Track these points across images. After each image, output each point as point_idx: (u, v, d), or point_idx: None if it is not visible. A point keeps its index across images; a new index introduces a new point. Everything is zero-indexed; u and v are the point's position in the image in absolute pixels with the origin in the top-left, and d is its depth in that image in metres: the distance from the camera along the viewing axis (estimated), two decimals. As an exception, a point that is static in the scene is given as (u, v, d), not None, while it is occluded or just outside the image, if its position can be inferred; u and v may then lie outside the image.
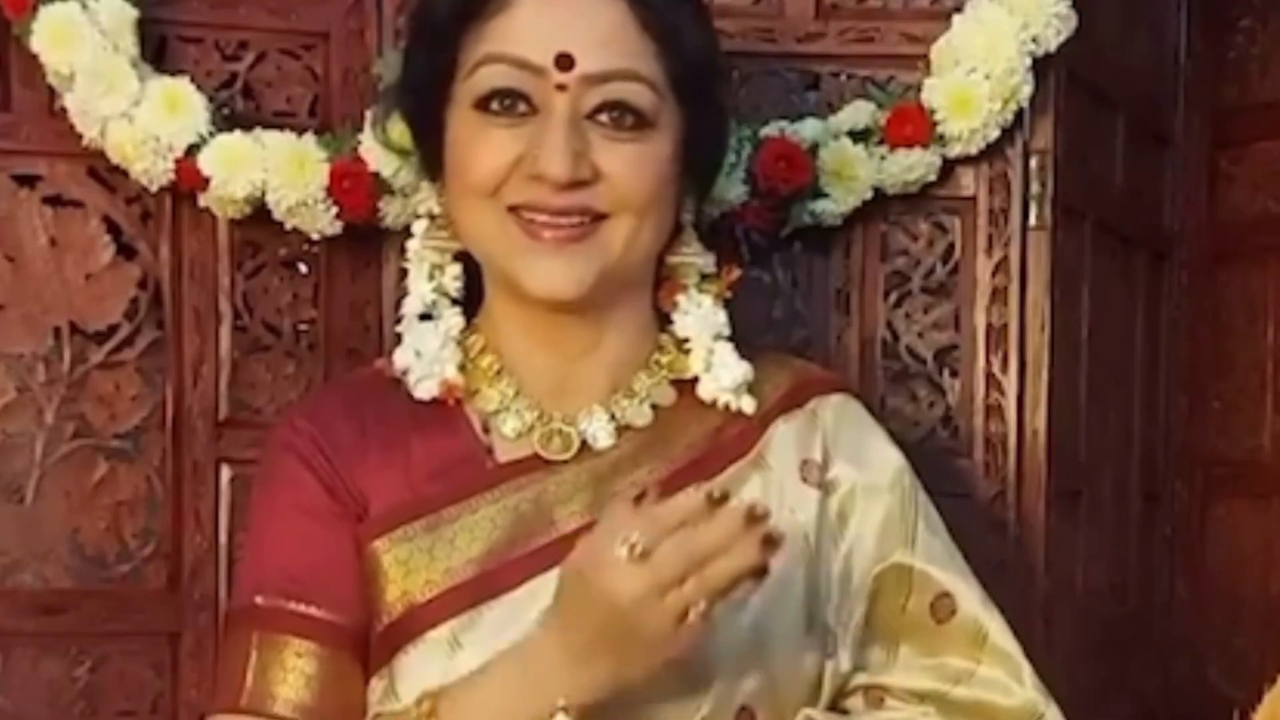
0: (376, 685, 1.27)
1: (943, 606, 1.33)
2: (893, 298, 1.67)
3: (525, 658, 1.17)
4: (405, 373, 1.33)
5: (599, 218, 1.25)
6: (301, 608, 1.26)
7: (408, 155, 1.40)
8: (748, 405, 1.33)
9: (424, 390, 1.32)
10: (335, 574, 1.27)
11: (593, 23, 1.23)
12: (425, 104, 1.30)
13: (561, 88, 1.22)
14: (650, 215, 1.27)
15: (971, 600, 1.33)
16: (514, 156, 1.24)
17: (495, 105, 1.24)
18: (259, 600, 1.27)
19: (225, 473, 1.60)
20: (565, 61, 1.21)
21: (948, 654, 1.32)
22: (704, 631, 1.12)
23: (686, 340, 1.35)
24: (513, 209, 1.25)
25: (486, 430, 1.32)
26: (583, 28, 1.22)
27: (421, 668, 1.24)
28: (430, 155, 1.33)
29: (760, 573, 1.11)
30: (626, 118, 1.24)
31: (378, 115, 1.43)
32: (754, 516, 1.10)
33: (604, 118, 1.23)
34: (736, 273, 1.38)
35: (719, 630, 1.23)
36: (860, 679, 1.33)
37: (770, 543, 1.10)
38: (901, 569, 1.33)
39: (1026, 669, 1.32)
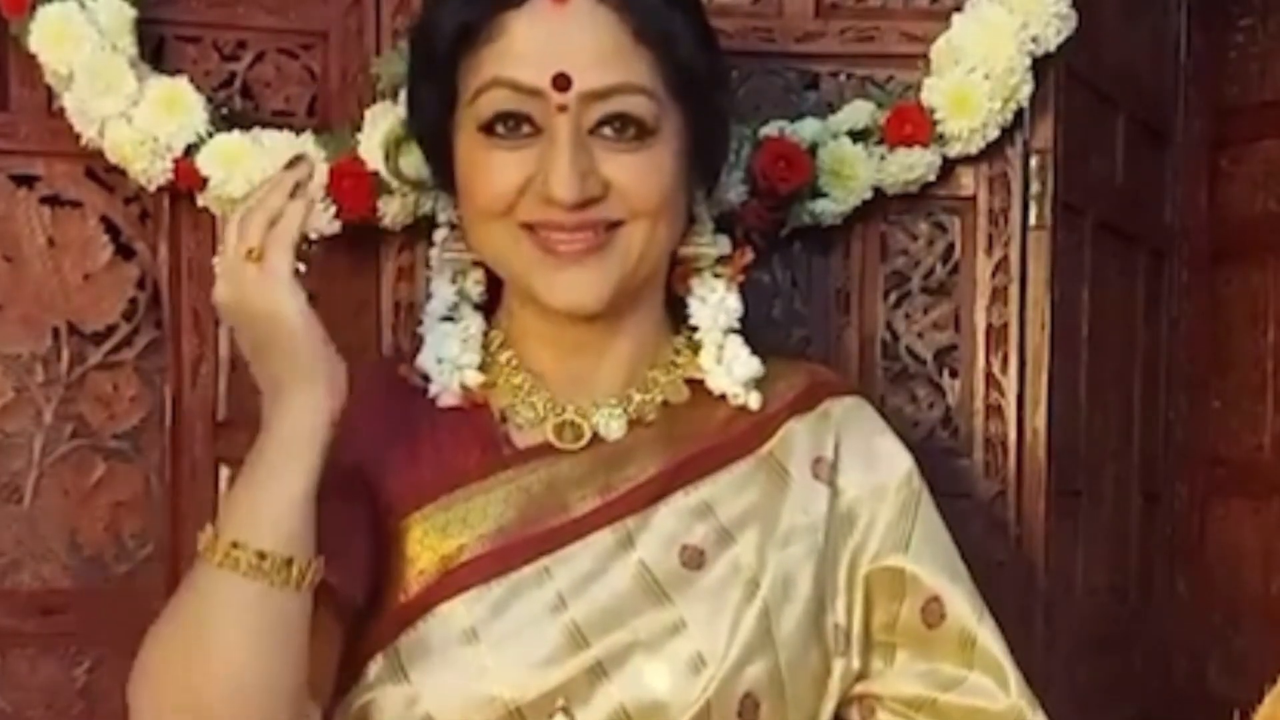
0: (380, 660, 1.25)
1: (932, 611, 1.33)
2: (893, 298, 1.66)
3: (263, 421, 1.19)
4: (425, 378, 1.35)
5: (614, 225, 1.26)
6: None
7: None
8: (754, 401, 1.34)
9: (444, 401, 1.35)
10: (344, 542, 1.25)
11: (587, 39, 1.23)
12: (433, 129, 1.32)
13: (562, 108, 1.22)
14: (663, 218, 1.28)
15: (961, 605, 1.33)
16: (523, 178, 1.25)
17: (500, 129, 1.25)
18: None
19: (224, 473, 1.60)
20: (562, 81, 1.21)
21: (940, 660, 1.33)
22: (278, 275, 1.17)
23: (696, 330, 1.36)
24: (526, 225, 1.26)
25: (504, 420, 1.33)
26: (577, 46, 1.22)
27: (428, 643, 1.24)
28: (442, 173, 1.35)
29: (308, 202, 1.19)
30: (629, 129, 1.24)
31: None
32: (291, 163, 1.22)
33: (607, 130, 1.24)
34: (750, 255, 1.38)
35: (726, 616, 1.24)
36: (858, 688, 1.34)
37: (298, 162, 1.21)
38: (894, 572, 1.33)
39: (1013, 675, 1.33)
